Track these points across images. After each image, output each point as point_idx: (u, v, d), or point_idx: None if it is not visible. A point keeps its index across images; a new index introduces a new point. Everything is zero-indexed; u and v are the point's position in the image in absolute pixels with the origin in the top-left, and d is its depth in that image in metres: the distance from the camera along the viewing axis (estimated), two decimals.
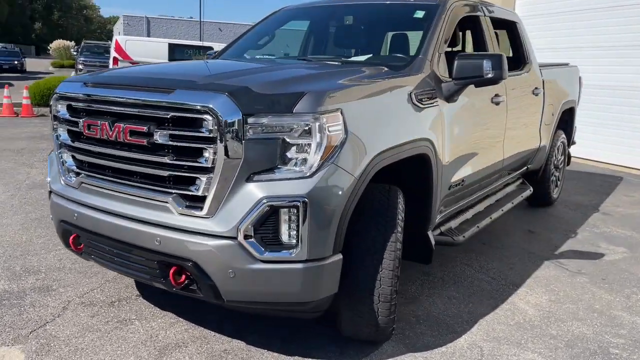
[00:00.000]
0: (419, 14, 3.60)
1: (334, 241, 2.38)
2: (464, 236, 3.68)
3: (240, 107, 2.25)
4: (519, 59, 4.96)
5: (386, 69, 3.16)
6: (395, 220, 2.66)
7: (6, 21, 61.96)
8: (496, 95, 3.94)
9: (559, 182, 6.03)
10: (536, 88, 4.85)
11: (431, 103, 3.07)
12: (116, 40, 18.26)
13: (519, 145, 4.61)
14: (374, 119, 2.61)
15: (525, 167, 5.15)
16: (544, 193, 5.76)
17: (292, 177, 2.28)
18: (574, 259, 4.37)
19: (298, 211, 2.25)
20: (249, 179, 2.30)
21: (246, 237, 2.27)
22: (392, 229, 2.63)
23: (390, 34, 3.83)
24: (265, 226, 2.27)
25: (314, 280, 2.35)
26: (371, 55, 3.63)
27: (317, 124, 2.30)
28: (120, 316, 3.08)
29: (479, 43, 4.10)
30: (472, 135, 3.64)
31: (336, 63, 3.46)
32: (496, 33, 5.96)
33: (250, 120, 2.26)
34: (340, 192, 2.36)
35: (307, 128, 2.28)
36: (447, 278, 3.86)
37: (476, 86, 3.32)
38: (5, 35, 61.85)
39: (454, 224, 3.79)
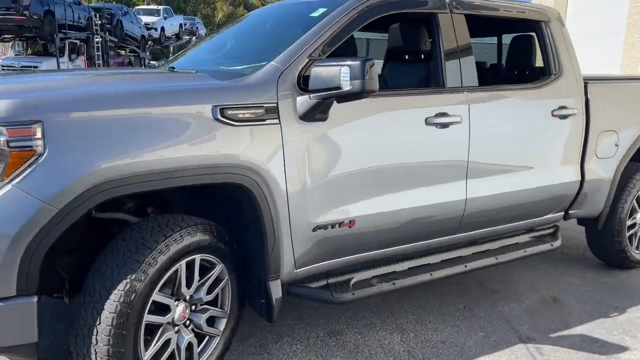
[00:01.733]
0: (318, 12, 2.93)
1: (18, 279, 1.99)
2: (353, 293, 2.86)
3: None
4: (542, 69, 3.77)
5: (205, 76, 2.65)
6: (138, 265, 2.15)
7: None
8: (440, 114, 3.00)
9: None
10: (562, 108, 3.60)
11: (259, 121, 2.44)
12: None
13: (515, 183, 3.44)
14: (115, 136, 2.13)
15: (559, 213, 3.85)
16: (614, 251, 4.23)
17: None
18: None
19: None
20: None
21: None
22: (127, 276, 2.12)
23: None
24: None
25: None
26: (255, 63, 3.07)
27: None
28: None
29: (436, 50, 3.18)
30: (368, 165, 2.80)
31: (192, 72, 3.01)
32: (499, 40, 4.72)
33: None
34: (23, 222, 1.96)
35: None
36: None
37: (337, 101, 2.54)
38: None
39: (359, 276, 2.97)
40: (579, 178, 3.78)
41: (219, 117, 2.33)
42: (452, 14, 3.23)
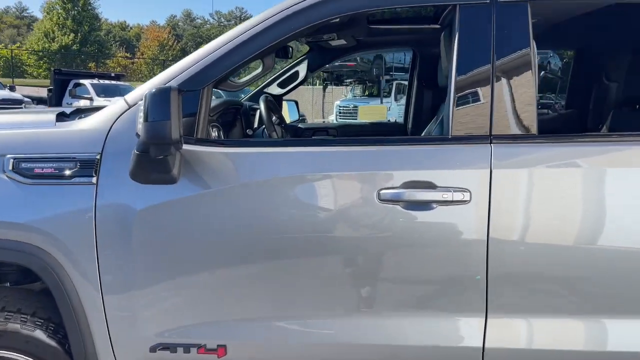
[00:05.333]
0: None
1: None
2: None
3: None
4: None
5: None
6: None
7: None
8: (414, 184, 1.72)
9: None
10: None
11: (66, 180, 1.82)
12: None
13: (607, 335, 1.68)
14: None
15: None
16: None
17: None
18: None
19: None
20: None
21: None
22: None
23: None
24: None
25: None
26: None
27: None
28: None
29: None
30: (256, 261, 1.78)
31: None
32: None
33: None
34: None
35: None
36: None
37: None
38: None
39: None
40: None
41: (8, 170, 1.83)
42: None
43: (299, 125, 3.69)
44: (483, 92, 1.79)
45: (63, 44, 43.89)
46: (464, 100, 1.80)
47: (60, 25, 45.43)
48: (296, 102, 4.09)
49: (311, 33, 2.78)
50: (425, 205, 1.73)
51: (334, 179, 1.78)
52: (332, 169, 1.78)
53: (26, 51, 45.47)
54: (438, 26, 2.99)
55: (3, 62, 41.06)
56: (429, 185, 1.73)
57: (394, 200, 1.73)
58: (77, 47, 44.81)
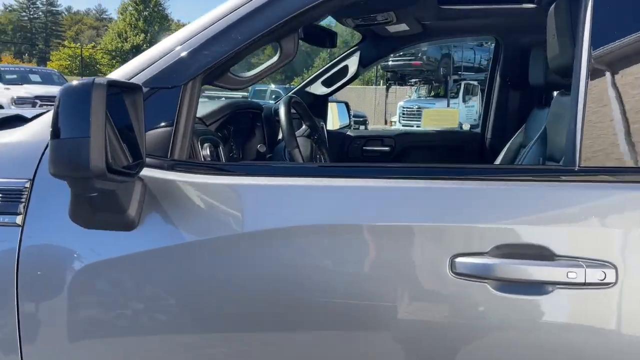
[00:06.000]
0: None
1: None
2: None
3: None
4: None
5: None
6: None
7: None
8: (514, 248, 1.01)
9: None
10: None
11: None
12: None
13: None
14: None
15: None
16: None
17: None
18: None
19: None
20: None
21: None
22: None
23: None
24: None
25: None
26: None
27: None
28: None
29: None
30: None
31: None
32: None
33: None
34: None
35: None
36: None
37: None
38: None
39: None
40: None
41: None
42: None
43: (348, 133, 2.99)
44: None
45: (135, 43, 45.21)
46: (604, 112, 1.06)
47: (132, 26, 46.85)
48: (346, 104, 3.39)
49: (358, 11, 2.09)
50: (533, 288, 1.01)
51: (377, 234, 1.10)
52: (375, 218, 1.10)
53: (100, 50, 47.29)
54: (533, 5, 2.24)
55: (78, 62, 42.83)
56: (541, 253, 1.01)
57: (477, 277, 1.03)
58: (147, 46, 46.15)
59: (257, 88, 18.26)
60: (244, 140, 1.93)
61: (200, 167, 1.24)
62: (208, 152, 1.45)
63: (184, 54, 1.24)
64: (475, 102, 18.64)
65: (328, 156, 2.04)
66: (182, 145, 1.24)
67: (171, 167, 1.20)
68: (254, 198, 1.16)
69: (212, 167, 1.26)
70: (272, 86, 18.16)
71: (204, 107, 1.69)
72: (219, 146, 1.51)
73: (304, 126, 1.93)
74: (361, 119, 17.40)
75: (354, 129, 16.49)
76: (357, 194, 1.14)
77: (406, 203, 1.10)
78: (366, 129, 17.99)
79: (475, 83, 18.76)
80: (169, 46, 1.26)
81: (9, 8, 57.89)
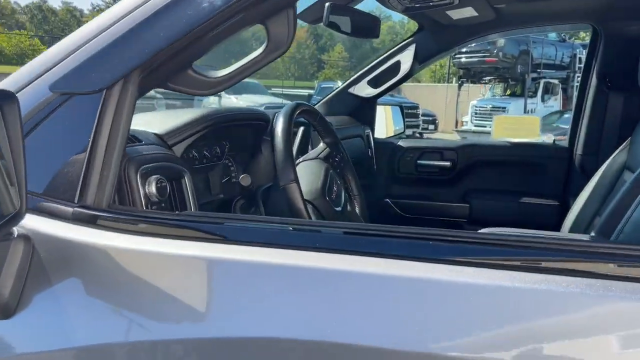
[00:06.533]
0: None
1: None
2: None
3: None
4: None
5: None
6: None
7: None
8: None
9: None
10: None
11: None
12: None
13: None
14: None
15: None
16: None
17: None
18: None
19: None
20: None
21: None
22: None
23: None
24: None
25: None
26: None
27: None
28: None
29: None
30: None
31: None
32: None
33: None
34: None
35: None
36: None
37: None
38: None
39: None
40: None
41: None
42: None
43: (399, 143, 2.47)
44: None
45: None
46: None
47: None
48: (401, 107, 2.86)
49: None
50: None
51: None
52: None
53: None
54: None
55: None
56: None
57: None
58: None
59: (323, 85, 17.77)
60: (247, 162, 1.44)
61: (128, 218, 0.81)
62: (154, 190, 0.98)
63: (105, 45, 0.81)
64: (555, 102, 17.34)
65: (355, 186, 1.53)
66: (103, 181, 0.80)
67: (77, 219, 0.77)
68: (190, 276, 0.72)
69: (146, 219, 0.81)
70: (340, 84, 17.72)
71: (167, 119, 1.23)
72: (182, 178, 1.05)
73: (321, 144, 1.45)
74: (430, 119, 16.60)
75: (422, 129, 15.69)
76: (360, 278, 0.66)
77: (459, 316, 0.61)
78: (436, 129, 17.12)
79: (556, 82, 17.44)
80: (87, 34, 0.83)
81: (97, 8, 61.04)
